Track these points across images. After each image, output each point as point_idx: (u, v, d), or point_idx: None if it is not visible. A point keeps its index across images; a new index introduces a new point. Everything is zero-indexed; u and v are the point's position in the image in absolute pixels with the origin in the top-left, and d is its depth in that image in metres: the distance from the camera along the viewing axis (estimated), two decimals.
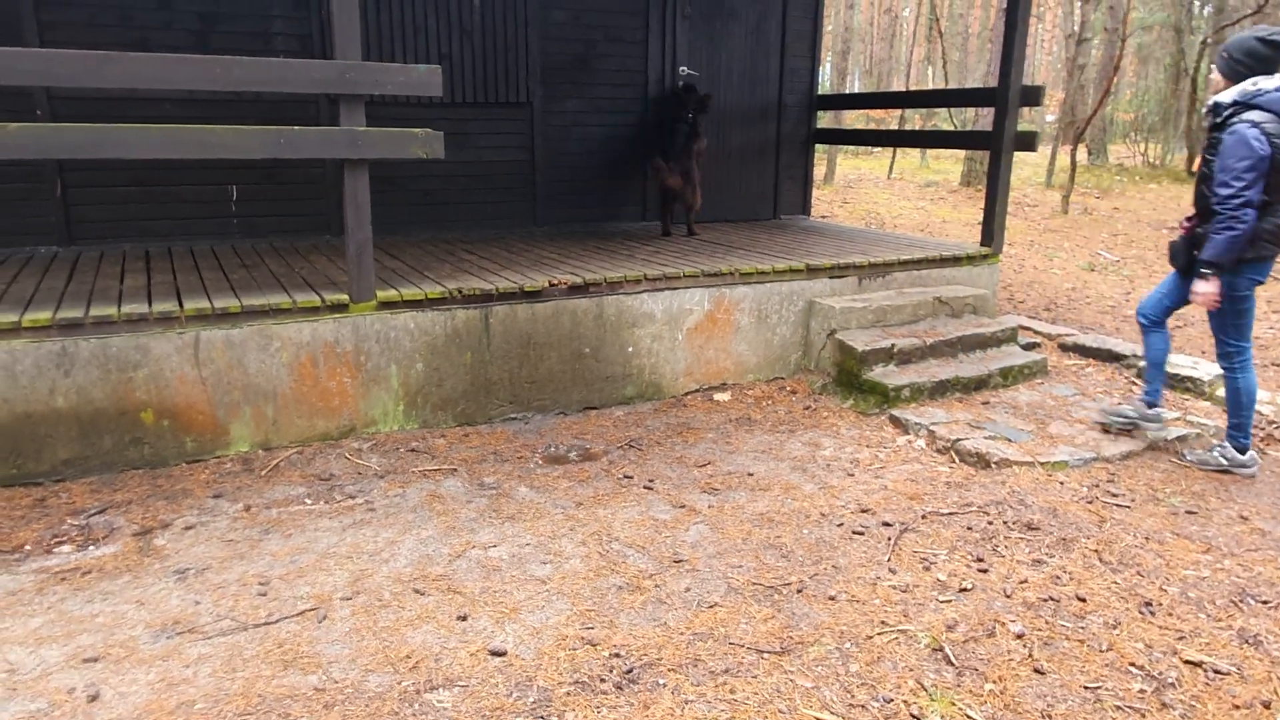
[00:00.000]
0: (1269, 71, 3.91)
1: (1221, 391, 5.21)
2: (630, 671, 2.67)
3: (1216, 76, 4.12)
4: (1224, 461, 4.33)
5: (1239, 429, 4.32)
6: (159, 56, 3.72)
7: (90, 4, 5.43)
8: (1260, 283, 4.08)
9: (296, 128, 4.05)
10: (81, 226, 5.68)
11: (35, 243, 5.57)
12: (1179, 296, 4.35)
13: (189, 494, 3.86)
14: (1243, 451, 4.32)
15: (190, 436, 4.12)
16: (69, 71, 3.51)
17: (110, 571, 3.22)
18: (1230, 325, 4.21)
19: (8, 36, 5.21)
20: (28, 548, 3.40)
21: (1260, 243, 3.96)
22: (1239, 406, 4.29)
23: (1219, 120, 3.97)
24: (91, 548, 3.40)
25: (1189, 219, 4.27)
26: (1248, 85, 3.90)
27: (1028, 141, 6.22)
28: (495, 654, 2.75)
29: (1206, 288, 4.04)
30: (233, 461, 4.17)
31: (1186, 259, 4.23)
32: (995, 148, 6.24)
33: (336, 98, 4.13)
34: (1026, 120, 5.94)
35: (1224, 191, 3.87)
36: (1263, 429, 4.91)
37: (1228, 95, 3.96)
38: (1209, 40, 18.00)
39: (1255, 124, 3.81)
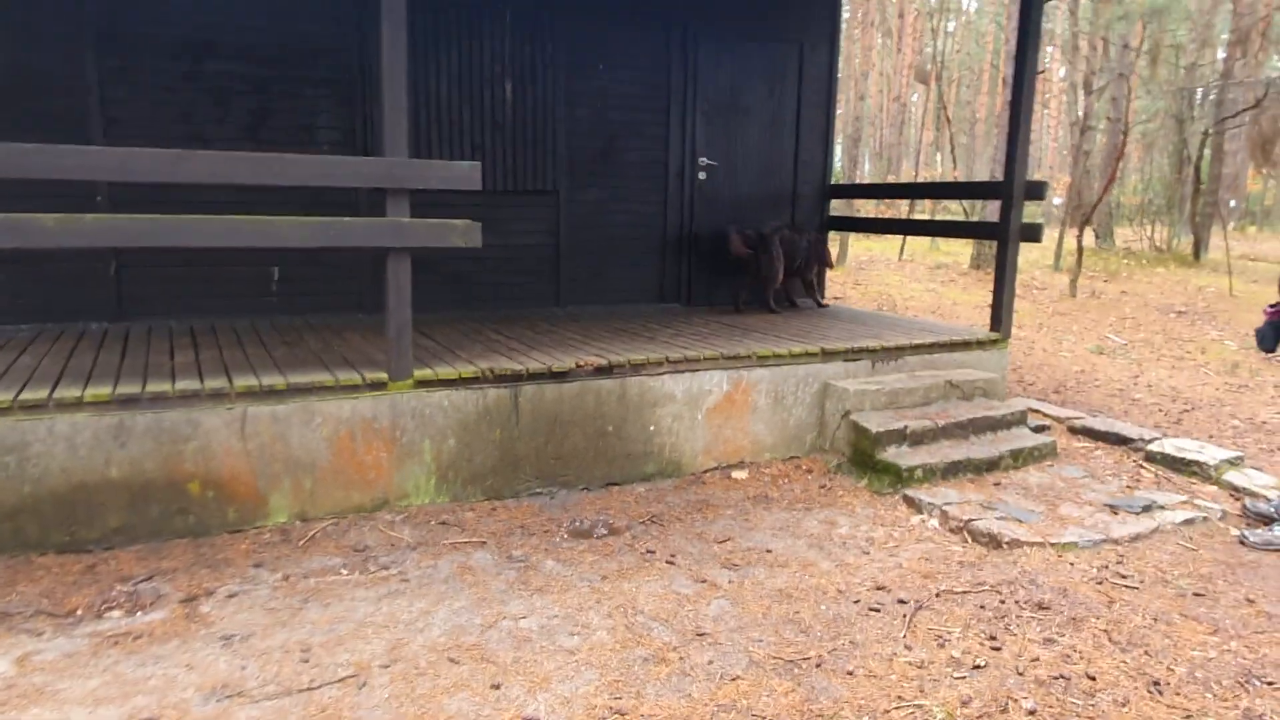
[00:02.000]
0: None
1: (1227, 475, 5.36)
2: None
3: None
4: None
5: None
6: (225, 155, 4.06)
7: (152, 100, 5.84)
8: None
9: (346, 219, 4.37)
10: (132, 304, 6.00)
11: (88, 318, 5.88)
12: None
13: (231, 563, 4.03)
14: None
15: (233, 507, 4.31)
16: (147, 168, 3.84)
17: (160, 636, 3.38)
18: None
19: (76, 129, 5.60)
20: (80, 612, 3.57)
21: None
22: None
23: None
24: (140, 614, 3.57)
25: (1272, 305, 4.68)
26: None
27: (1033, 233, 6.50)
28: None
29: None
30: (271, 532, 4.35)
31: (1274, 340, 4.56)
32: (1002, 239, 6.51)
33: (383, 190, 4.45)
34: (1034, 204, 6.25)
35: None
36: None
37: None
38: (1210, 131, 18.52)
39: None
